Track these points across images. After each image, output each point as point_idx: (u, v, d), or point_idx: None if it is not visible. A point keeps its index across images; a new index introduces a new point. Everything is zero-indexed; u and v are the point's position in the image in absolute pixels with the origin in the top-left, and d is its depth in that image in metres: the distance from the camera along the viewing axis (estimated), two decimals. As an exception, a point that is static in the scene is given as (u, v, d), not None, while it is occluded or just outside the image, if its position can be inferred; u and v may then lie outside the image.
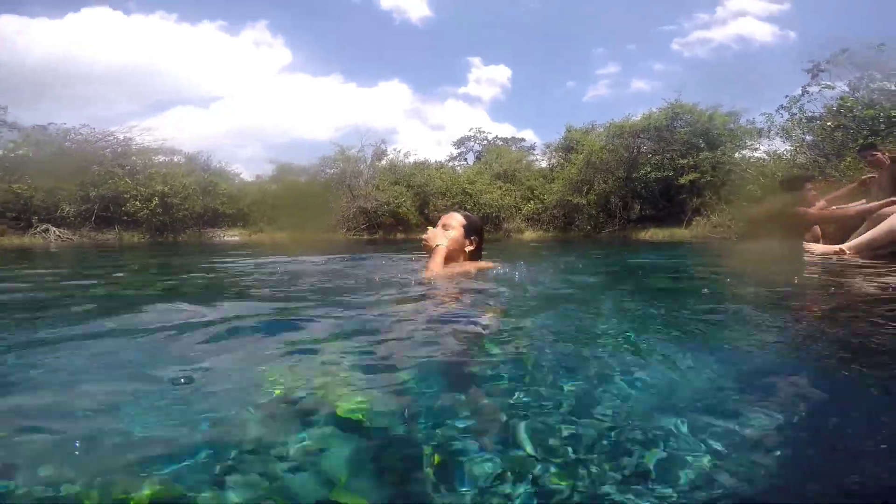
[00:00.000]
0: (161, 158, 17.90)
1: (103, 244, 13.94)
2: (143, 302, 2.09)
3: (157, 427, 0.84)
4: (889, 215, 3.70)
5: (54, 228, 14.91)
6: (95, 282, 3.06)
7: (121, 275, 3.85)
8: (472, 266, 2.17)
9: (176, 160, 18.67)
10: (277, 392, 0.97)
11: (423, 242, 2.20)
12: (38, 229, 14.78)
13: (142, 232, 16.50)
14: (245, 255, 5.95)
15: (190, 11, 57.10)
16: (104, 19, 48.09)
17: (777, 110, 11.79)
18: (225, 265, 4.30)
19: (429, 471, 0.74)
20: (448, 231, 2.18)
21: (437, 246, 2.16)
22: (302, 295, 2.13)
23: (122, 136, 16.76)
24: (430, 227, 2.26)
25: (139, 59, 50.16)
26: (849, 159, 9.25)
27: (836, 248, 3.65)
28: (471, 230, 2.22)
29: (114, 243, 14.43)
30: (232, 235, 18.57)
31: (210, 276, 3.33)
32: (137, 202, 15.93)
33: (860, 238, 3.64)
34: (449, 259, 2.18)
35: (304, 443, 0.79)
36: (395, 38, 62.82)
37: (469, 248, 2.22)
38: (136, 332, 1.47)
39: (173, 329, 1.45)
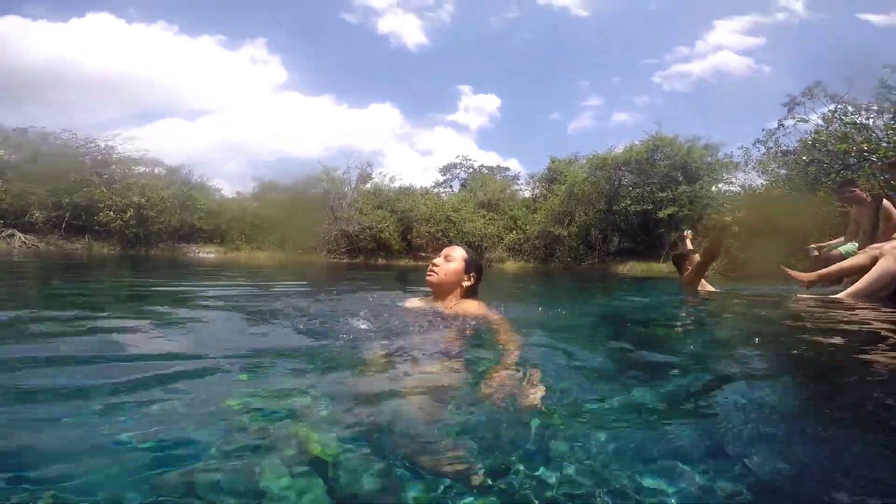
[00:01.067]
0: (141, 169, 17.59)
1: (70, 254, 13.39)
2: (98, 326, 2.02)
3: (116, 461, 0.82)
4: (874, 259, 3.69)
5: (20, 234, 14.32)
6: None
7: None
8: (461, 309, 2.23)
9: (157, 172, 18.33)
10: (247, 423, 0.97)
11: (428, 275, 2.31)
12: (2, 234, 14.17)
13: (113, 243, 15.95)
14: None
15: (191, 24, 57.56)
16: (105, 26, 48.27)
17: (753, 144, 12.17)
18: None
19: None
20: (449, 263, 2.27)
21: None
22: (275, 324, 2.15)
23: (103, 145, 16.45)
24: (441, 256, 2.34)
25: (134, 67, 50.17)
26: (821, 194, 9.51)
27: (832, 297, 3.60)
28: (471, 266, 2.30)
29: (81, 254, 13.88)
30: (207, 252, 18.09)
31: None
32: (111, 212, 15.46)
33: (855, 286, 3.58)
34: (446, 292, 2.27)
35: (276, 480, 0.79)
36: (390, 63, 64.45)
37: (467, 284, 2.28)
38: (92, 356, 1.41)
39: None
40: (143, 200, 15.99)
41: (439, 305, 2.23)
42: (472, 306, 2.18)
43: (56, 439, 0.89)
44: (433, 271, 2.25)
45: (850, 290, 3.57)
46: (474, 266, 2.30)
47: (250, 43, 60.70)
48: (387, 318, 2.10)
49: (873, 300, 3.32)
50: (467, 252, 2.32)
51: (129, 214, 15.69)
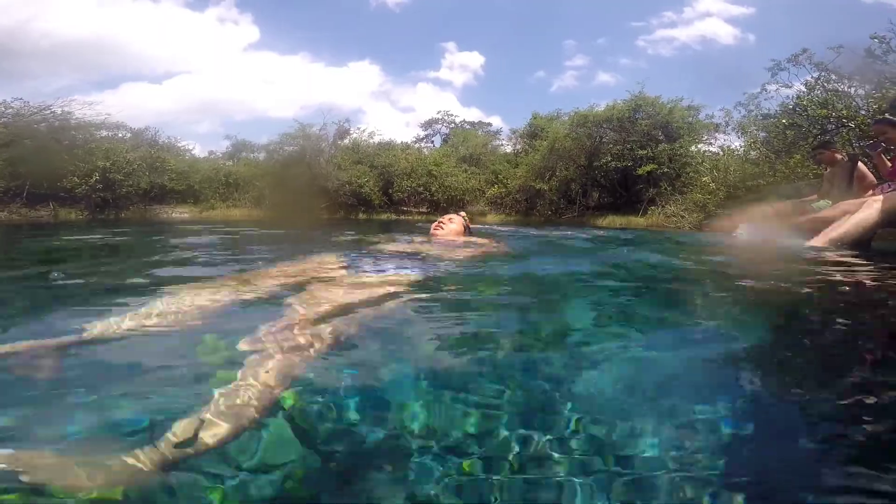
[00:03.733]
0: (104, 133, 16.70)
1: (35, 222, 12.97)
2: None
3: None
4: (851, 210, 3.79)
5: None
6: None
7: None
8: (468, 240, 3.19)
9: (121, 135, 17.46)
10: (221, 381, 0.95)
11: (433, 231, 3.17)
12: (-40, 206, 13.51)
13: (80, 209, 15.40)
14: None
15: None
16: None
17: (735, 106, 12.09)
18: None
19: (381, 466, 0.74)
20: (451, 224, 3.20)
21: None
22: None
23: (59, 110, 15.39)
24: (445, 219, 3.28)
25: (90, 34, 46.37)
26: (797, 157, 9.58)
27: (808, 243, 3.70)
28: (466, 229, 3.27)
29: (48, 220, 13.46)
30: (181, 212, 17.65)
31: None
32: (75, 177, 14.79)
33: (836, 233, 3.66)
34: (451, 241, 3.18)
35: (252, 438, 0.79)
36: (369, 21, 61.00)
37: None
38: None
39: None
40: (107, 164, 15.28)
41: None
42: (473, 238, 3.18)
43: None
44: (439, 228, 3.16)
45: (830, 236, 3.66)
46: (468, 229, 3.28)
47: (216, 3, 56.10)
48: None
49: (848, 247, 3.45)
50: (464, 219, 3.29)
51: (94, 179, 15.04)
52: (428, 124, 29.42)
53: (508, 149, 22.93)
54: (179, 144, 19.67)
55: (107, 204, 15.83)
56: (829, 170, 5.40)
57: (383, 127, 63.61)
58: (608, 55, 59.25)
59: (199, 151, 21.14)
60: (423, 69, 65.08)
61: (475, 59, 58.72)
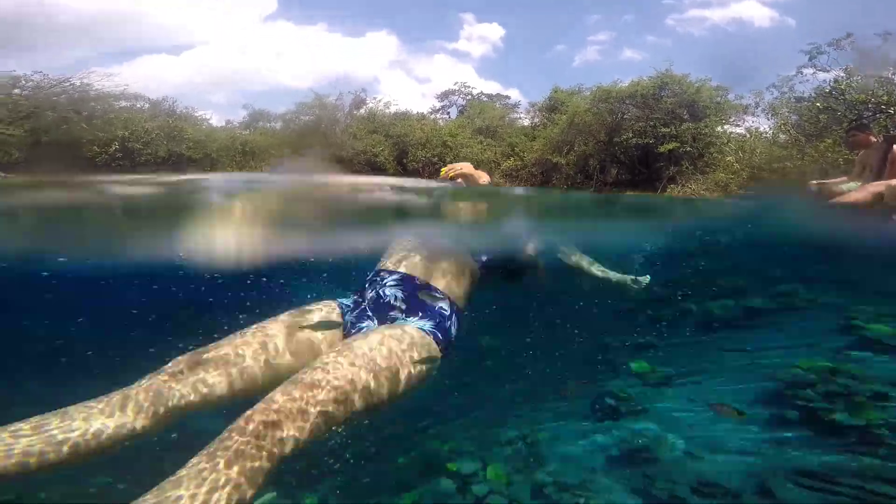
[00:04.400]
0: (123, 104, 16.68)
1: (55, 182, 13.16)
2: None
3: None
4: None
5: (1, 173, 13.84)
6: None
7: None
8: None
9: (139, 106, 17.44)
10: None
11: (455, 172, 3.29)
12: (-16, 173, 13.70)
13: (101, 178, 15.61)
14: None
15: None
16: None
17: (767, 88, 11.70)
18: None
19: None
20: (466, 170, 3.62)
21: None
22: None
23: (78, 82, 15.33)
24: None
25: (108, 6, 45.24)
26: (828, 141, 9.32)
27: None
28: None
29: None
30: (198, 181, 17.77)
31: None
32: (95, 147, 14.88)
33: None
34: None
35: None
36: None
37: None
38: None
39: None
40: (126, 133, 15.34)
41: None
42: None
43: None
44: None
45: None
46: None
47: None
48: None
49: None
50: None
51: (113, 148, 15.13)
52: (444, 95, 28.61)
53: (526, 122, 22.47)
54: (196, 114, 19.67)
55: (126, 172, 15.99)
56: (861, 153, 5.26)
57: (399, 97, 62.46)
58: (634, 32, 57.05)
59: (216, 121, 21.18)
60: (441, 40, 63.69)
61: (495, 31, 56.94)
